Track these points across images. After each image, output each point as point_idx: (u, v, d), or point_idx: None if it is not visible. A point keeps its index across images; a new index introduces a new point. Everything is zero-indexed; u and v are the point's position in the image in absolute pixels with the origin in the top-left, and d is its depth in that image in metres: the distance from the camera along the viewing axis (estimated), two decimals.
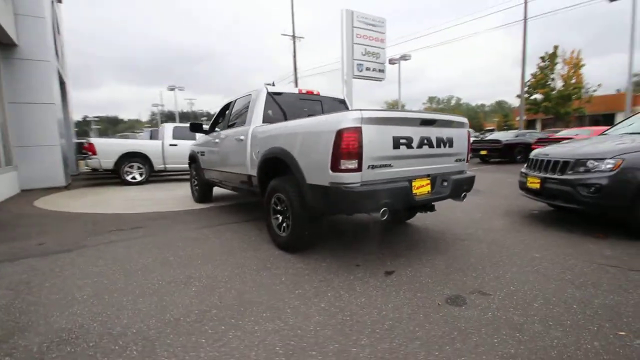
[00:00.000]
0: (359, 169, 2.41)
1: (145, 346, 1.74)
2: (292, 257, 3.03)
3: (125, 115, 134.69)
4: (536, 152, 4.17)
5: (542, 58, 27.94)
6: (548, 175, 3.68)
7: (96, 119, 67.77)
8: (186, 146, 8.92)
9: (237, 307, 2.15)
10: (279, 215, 3.30)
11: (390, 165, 2.60)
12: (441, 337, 1.77)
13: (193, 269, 2.79)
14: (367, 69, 16.78)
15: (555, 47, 27.56)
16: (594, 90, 27.05)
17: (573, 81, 26.64)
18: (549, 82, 27.67)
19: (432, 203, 3.14)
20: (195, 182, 5.98)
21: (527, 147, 12.03)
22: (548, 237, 3.43)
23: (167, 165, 9.11)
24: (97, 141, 8.55)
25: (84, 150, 13.67)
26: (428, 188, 2.89)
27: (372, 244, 3.41)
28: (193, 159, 5.99)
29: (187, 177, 10.82)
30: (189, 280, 2.57)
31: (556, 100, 26.81)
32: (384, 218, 2.50)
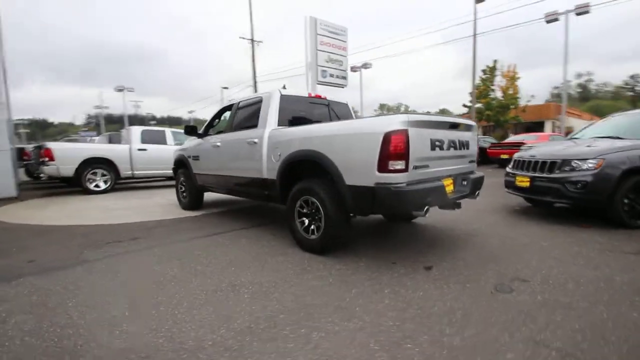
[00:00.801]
0: (405, 169, 2.52)
1: (235, 357, 1.66)
2: (325, 259, 3.04)
3: (55, 119, 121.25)
4: (520, 154, 4.66)
5: (484, 71, 30.89)
6: (537, 175, 4.14)
7: (23, 121, 60.09)
8: (157, 151, 8.46)
9: (303, 310, 2.12)
10: (304, 219, 3.29)
11: (427, 166, 2.75)
12: (513, 321, 1.93)
13: (232, 277, 2.68)
14: (331, 75, 17.16)
15: (495, 62, 30.68)
16: (528, 101, 30.54)
17: (510, 92, 29.80)
18: (489, 93, 30.62)
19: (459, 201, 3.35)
20: (183, 188, 5.66)
21: (483, 151, 13.19)
22: (544, 229, 3.85)
23: (135, 172, 8.45)
24: (55, 146, 7.65)
25: (25, 157, 12.20)
26: (452, 187, 3.09)
27: (392, 242, 3.54)
28: (181, 164, 5.67)
29: (159, 184, 10.29)
30: (236, 288, 2.46)
31: (497, 109, 29.74)
32: (426, 215, 2.64)
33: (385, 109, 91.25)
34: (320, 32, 16.19)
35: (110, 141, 10.84)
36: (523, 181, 4.30)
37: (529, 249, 3.15)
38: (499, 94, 30.41)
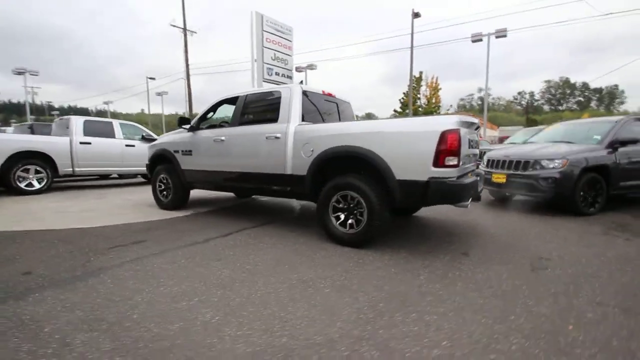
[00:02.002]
0: (457, 164, 2.79)
1: (375, 344, 1.69)
2: (366, 252, 3.13)
3: None
4: (494, 154, 5.39)
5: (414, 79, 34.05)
6: (512, 172, 4.87)
7: None
8: (103, 145, 7.47)
9: (394, 297, 2.21)
10: (339, 214, 3.34)
11: (465, 163, 3.07)
12: (567, 289, 2.32)
13: (292, 273, 2.61)
14: (277, 74, 17.03)
15: (420, 73, 34.06)
16: (447, 110, 34.59)
17: (434, 101, 33.42)
18: (416, 101, 33.89)
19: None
20: (163, 187, 5.12)
21: None
22: (524, 219, 4.54)
23: (76, 169, 7.27)
24: None
25: None
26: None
27: (404, 234, 3.81)
28: (161, 159, 5.13)
29: (102, 184, 9.02)
30: (310, 283, 2.42)
31: (422, 116, 33.03)
32: (468, 207, 2.95)
33: None
34: (266, 29, 15.94)
35: (33, 132, 9.12)
36: (499, 178, 5.00)
37: (527, 236, 3.72)
38: (424, 102, 33.88)
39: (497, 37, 16.50)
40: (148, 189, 7.77)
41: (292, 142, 3.61)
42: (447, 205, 3.07)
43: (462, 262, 2.88)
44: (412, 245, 3.33)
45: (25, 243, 3.37)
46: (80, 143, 7.27)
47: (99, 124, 7.82)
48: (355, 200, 3.22)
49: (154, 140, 8.56)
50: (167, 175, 5.00)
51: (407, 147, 2.90)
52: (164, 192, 5.12)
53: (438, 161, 2.76)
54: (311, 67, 24.06)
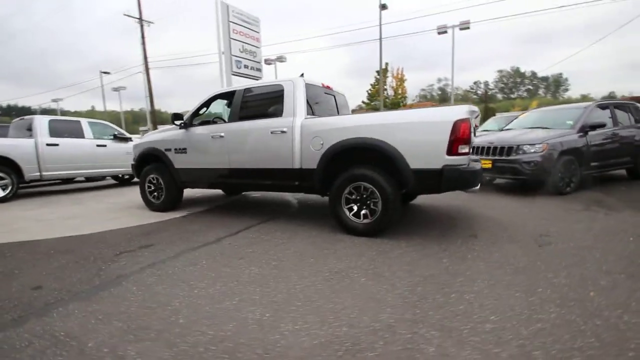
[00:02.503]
0: (468, 152, 2.95)
1: (433, 327, 1.78)
2: (381, 240, 3.21)
3: None
4: (478, 142, 5.70)
5: (378, 72, 34.68)
6: (497, 157, 5.19)
7: None
8: (72, 147, 6.97)
9: (431, 281, 2.32)
10: (352, 205, 3.41)
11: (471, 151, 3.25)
12: (575, 262, 2.55)
13: (320, 266, 2.64)
14: (246, 66, 16.65)
15: (386, 64, 34.73)
16: (413, 100, 35.70)
17: (400, 92, 34.34)
18: (382, 92, 34.62)
19: None
20: (152, 188, 4.88)
21: None
22: (511, 200, 4.89)
23: (44, 173, 6.69)
24: None
25: None
26: None
27: (408, 221, 3.97)
28: (152, 158, 4.88)
29: (74, 187, 8.48)
30: (342, 275, 2.46)
31: (389, 106, 33.89)
32: (476, 192, 3.14)
33: None
34: (232, 20, 15.48)
35: None
36: (485, 163, 5.31)
37: (521, 215, 4.02)
38: (391, 93, 34.74)
39: (460, 29, 17.32)
40: (126, 191, 7.40)
41: (299, 135, 3.59)
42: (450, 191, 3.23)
43: (474, 243, 3.06)
44: (422, 232, 3.47)
45: (18, 256, 3.09)
46: (47, 145, 6.68)
47: (66, 124, 7.23)
48: (368, 191, 3.29)
49: (127, 139, 8.11)
50: (157, 175, 4.76)
51: (420, 137, 3.01)
52: (155, 193, 4.88)
53: (452, 149, 2.89)
54: (281, 59, 23.65)
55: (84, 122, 7.50)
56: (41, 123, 6.75)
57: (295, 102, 3.71)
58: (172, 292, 2.26)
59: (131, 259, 2.90)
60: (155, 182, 4.84)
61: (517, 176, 5.02)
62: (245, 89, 4.15)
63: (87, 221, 4.41)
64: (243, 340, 1.70)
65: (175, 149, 4.52)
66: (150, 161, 4.92)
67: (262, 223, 4.05)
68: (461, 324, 1.79)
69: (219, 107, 5.05)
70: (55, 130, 6.91)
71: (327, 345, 1.64)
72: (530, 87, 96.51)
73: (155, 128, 25.86)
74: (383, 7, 19.12)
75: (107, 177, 8.90)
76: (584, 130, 5.12)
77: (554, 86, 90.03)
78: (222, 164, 4.15)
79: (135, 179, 5.34)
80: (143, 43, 26.71)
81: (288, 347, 1.64)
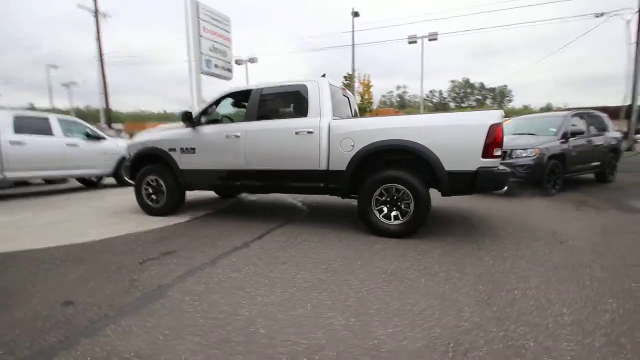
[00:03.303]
0: (501, 155, 3.10)
1: (520, 323, 1.84)
2: (415, 241, 3.26)
3: None
4: None
5: (346, 77, 35.40)
6: None
7: None
8: (40, 146, 6.29)
9: (483, 281, 2.39)
10: (382, 207, 3.42)
11: None
12: (600, 258, 2.78)
13: (372, 268, 2.61)
14: (216, 66, 16.14)
15: (354, 71, 35.51)
16: (379, 106, 36.83)
17: (367, 97, 35.28)
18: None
19: None
20: (151, 190, 4.52)
21: None
22: (508, 203, 5.21)
23: (8, 175, 5.91)
24: None
25: None
26: None
27: (433, 222, 4.08)
28: (151, 159, 4.52)
29: (37, 190, 7.68)
30: (400, 277, 2.46)
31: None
32: (502, 193, 3.30)
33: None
34: (202, 18, 14.95)
35: None
36: None
37: (526, 216, 4.29)
38: (358, 99, 35.56)
39: (429, 40, 18.33)
40: (105, 195, 6.75)
41: (327, 137, 3.54)
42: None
43: (503, 243, 3.20)
44: (447, 233, 3.56)
45: (20, 268, 2.69)
46: (11, 143, 5.91)
47: (32, 120, 6.44)
48: (400, 193, 3.33)
49: (102, 138, 7.44)
50: (158, 177, 4.42)
51: (457, 140, 3.11)
52: (154, 197, 4.52)
53: (487, 152, 3.02)
54: (253, 60, 23.21)
55: (54, 119, 6.75)
56: (4, 119, 5.96)
57: (322, 102, 3.66)
58: (233, 301, 2.10)
59: (162, 268, 2.65)
60: (154, 184, 4.48)
61: (511, 179, 5.37)
62: (263, 88, 4.01)
63: (81, 227, 3.96)
64: (343, 348, 1.62)
65: (182, 149, 4.23)
66: (149, 162, 4.55)
67: (281, 226, 3.91)
68: (542, 319, 1.86)
69: (221, 108, 4.81)
70: (21, 127, 6.13)
71: (433, 347, 1.62)
72: (480, 97, 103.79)
73: (110, 127, 24.00)
74: (355, 14, 19.60)
75: (68, 180, 8.08)
76: (566, 137, 5.63)
77: (500, 97, 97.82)
78: (237, 165, 3.96)
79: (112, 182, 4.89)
80: (98, 38, 24.89)
81: (395, 351, 1.60)
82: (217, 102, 4.33)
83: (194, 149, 4.18)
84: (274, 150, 3.79)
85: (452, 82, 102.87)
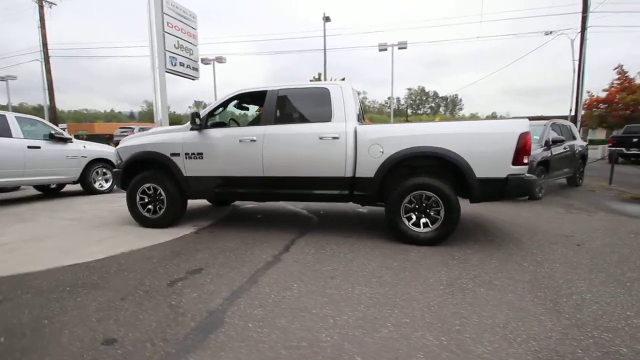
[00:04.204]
0: (529, 163, 3.21)
1: (600, 329, 1.87)
2: (446, 248, 3.26)
3: None
4: None
5: (312, 80, 35.50)
6: None
7: None
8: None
9: (537, 286, 2.44)
10: (411, 214, 3.39)
11: None
12: (621, 258, 2.99)
13: (426, 279, 2.55)
14: (182, 64, 15.31)
15: (319, 74, 35.77)
16: None
17: None
18: None
19: None
20: (147, 200, 4.07)
21: None
22: (508, 206, 5.46)
23: None
24: None
25: None
26: None
27: None
28: (148, 164, 4.08)
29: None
30: (457, 287, 2.42)
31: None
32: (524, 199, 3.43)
33: (201, 107, 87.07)
34: (167, 12, 14.15)
35: None
36: None
37: (529, 220, 4.51)
38: None
39: (399, 48, 19.00)
40: (70, 204, 5.97)
41: (353, 142, 3.43)
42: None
43: (527, 247, 3.31)
44: (470, 238, 3.60)
45: (20, 298, 2.22)
46: None
47: None
48: (429, 200, 3.32)
49: (67, 139, 6.62)
50: (156, 185, 3.99)
51: (488, 147, 3.17)
52: (150, 206, 4.07)
53: (517, 160, 3.12)
54: (220, 60, 22.32)
55: (11, 117, 5.85)
56: None
57: (346, 107, 3.55)
58: (304, 325, 1.91)
59: (198, 289, 2.36)
60: (151, 192, 4.04)
61: None
62: (279, 90, 3.79)
63: (70, 244, 3.43)
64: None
65: (187, 154, 3.86)
66: (145, 167, 4.10)
67: (301, 236, 3.70)
68: (616, 322, 1.92)
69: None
70: None
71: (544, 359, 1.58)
72: (433, 105, 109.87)
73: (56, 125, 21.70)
74: (327, 19, 19.73)
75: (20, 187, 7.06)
76: (548, 144, 6.07)
77: (452, 105, 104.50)
78: (253, 172, 3.69)
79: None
80: (42, 26, 22.49)
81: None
82: (225, 104, 4.02)
83: (200, 154, 3.83)
84: (295, 155, 3.59)
85: (409, 89, 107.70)
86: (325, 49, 19.86)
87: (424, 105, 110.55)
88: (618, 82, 27.34)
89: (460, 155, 3.18)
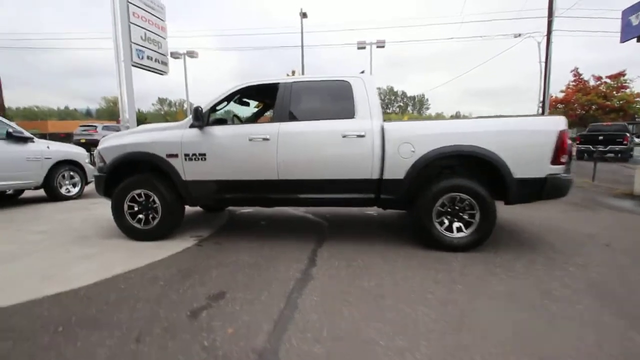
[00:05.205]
0: (566, 162, 3.06)
1: None
2: (481, 255, 3.06)
3: None
4: None
5: (288, 75, 34.80)
6: None
7: None
8: None
9: (600, 296, 2.27)
10: (443, 218, 3.15)
11: None
12: None
13: (479, 294, 2.30)
14: (149, 58, 14.35)
15: (293, 72, 35.25)
16: None
17: None
18: None
19: None
20: (137, 208, 3.51)
21: None
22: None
23: None
24: None
25: None
26: None
27: None
28: (139, 167, 3.52)
29: None
30: (518, 301, 2.20)
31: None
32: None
33: (166, 104, 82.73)
34: (132, 1, 13.18)
35: None
36: None
37: (541, 220, 4.41)
38: None
39: (377, 46, 19.02)
40: (33, 212, 5.14)
41: (380, 141, 3.12)
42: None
43: (561, 250, 3.16)
44: (502, 244, 3.35)
45: (7, 346, 1.68)
46: None
47: None
48: (463, 203, 3.09)
49: (28, 138, 5.75)
50: (149, 191, 3.45)
51: (527, 145, 2.98)
52: (141, 216, 3.51)
53: (556, 159, 2.96)
54: (192, 54, 21.12)
55: None
56: None
57: (370, 102, 3.23)
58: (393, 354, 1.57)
59: (229, 320, 1.93)
60: (142, 200, 3.49)
61: None
62: (293, 83, 3.40)
63: (45, 265, 2.82)
64: None
65: (187, 155, 3.35)
66: (135, 171, 3.54)
67: (320, 246, 3.32)
68: None
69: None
70: None
71: None
72: (401, 104, 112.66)
73: None
74: (303, 15, 19.31)
75: None
76: None
77: (419, 104, 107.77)
78: (266, 174, 3.27)
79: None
80: None
81: None
82: (229, 98, 3.55)
83: (203, 155, 3.34)
84: (314, 156, 3.22)
85: (378, 88, 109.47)
86: (302, 46, 19.45)
87: (393, 104, 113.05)
88: (574, 84, 29.43)
89: (497, 154, 2.97)
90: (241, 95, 3.80)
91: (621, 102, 27.15)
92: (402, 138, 3.10)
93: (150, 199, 3.47)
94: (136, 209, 3.51)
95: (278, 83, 3.42)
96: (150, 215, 3.50)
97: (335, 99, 3.36)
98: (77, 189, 6.49)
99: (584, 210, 4.92)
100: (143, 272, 2.68)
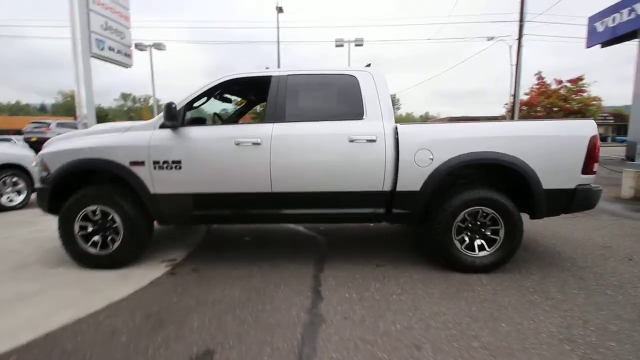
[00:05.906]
0: (596, 171, 2.76)
1: None
2: (509, 275, 2.71)
3: None
4: None
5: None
6: None
7: None
8: None
9: None
10: (463, 235, 2.75)
11: None
12: None
13: (527, 327, 1.90)
14: (111, 48, 13.20)
15: (267, 68, 34.26)
16: None
17: None
18: None
19: None
20: (92, 229, 2.81)
21: None
22: None
23: None
24: None
25: None
26: None
27: None
28: (93, 178, 2.82)
29: None
30: (586, 341, 1.81)
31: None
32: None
33: (130, 99, 77.83)
34: None
35: None
36: None
37: (549, 228, 4.14)
38: None
39: (355, 45, 18.67)
40: None
41: (393, 146, 2.66)
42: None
43: (590, 268, 2.84)
44: (524, 262, 2.96)
45: None
46: None
47: None
48: (486, 217, 2.70)
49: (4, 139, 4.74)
50: (106, 207, 2.76)
51: (556, 153, 2.64)
52: (97, 238, 2.82)
53: (587, 168, 2.64)
54: (159, 47, 19.63)
55: None
56: None
57: (381, 100, 2.76)
58: None
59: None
60: (98, 218, 2.80)
61: None
62: (288, 76, 2.85)
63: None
64: None
65: (157, 162, 2.70)
66: (88, 182, 2.83)
67: (323, 270, 2.82)
68: None
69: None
70: None
71: None
72: None
73: None
74: (279, 10, 18.58)
75: None
76: None
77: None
78: (257, 186, 2.70)
79: None
80: None
81: None
82: (210, 92, 2.94)
83: (177, 162, 2.70)
84: (316, 164, 2.70)
85: None
86: (278, 41, 18.72)
87: None
88: (537, 87, 30.88)
89: (525, 161, 2.61)
90: (223, 90, 3.20)
91: (579, 105, 28.81)
92: (419, 143, 2.65)
93: (109, 217, 2.79)
94: (90, 229, 2.81)
95: (270, 76, 2.87)
96: (109, 237, 2.82)
97: (339, 97, 2.86)
98: (21, 198, 5.52)
99: (583, 216, 4.76)
100: (99, 320, 2.03)
